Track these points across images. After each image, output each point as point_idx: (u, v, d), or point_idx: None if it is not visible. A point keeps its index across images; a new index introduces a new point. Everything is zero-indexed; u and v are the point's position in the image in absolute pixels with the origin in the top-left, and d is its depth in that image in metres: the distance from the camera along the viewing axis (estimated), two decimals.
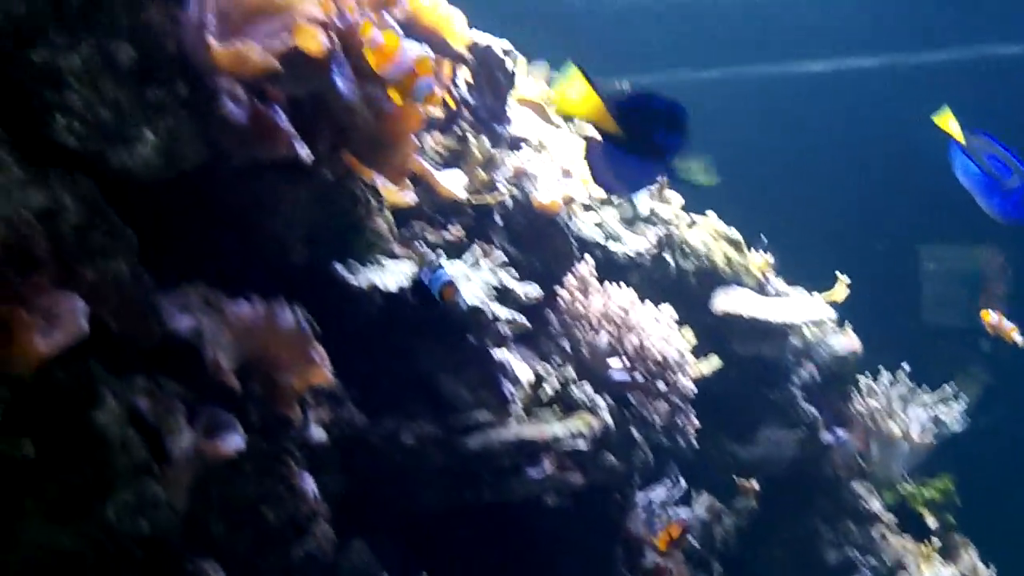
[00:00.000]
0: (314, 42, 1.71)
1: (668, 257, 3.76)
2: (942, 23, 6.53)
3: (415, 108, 2.07)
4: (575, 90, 1.66)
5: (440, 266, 2.28)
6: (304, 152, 1.73)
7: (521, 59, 3.81)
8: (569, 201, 3.23)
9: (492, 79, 3.09)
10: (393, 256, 2.48)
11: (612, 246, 3.59)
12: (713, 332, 3.82)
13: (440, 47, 2.84)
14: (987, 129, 2.76)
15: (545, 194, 3.13)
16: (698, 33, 7.12)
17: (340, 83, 1.84)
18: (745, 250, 4.09)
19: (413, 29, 2.73)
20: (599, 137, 1.71)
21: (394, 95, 1.74)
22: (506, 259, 2.59)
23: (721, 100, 6.29)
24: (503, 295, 2.49)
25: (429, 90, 1.76)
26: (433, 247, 2.68)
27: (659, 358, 3.10)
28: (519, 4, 6.34)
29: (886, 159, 6.32)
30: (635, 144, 1.71)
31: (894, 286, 7.08)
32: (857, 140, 6.36)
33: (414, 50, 1.77)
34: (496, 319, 2.35)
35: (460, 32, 2.94)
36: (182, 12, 1.65)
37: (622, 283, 3.20)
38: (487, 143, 2.97)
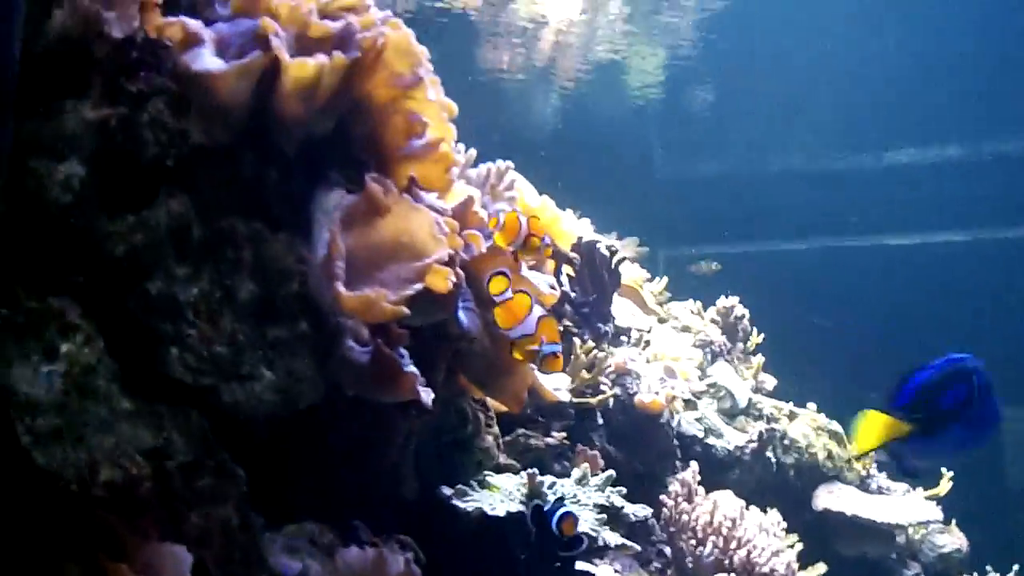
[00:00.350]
0: (443, 283, 1.66)
1: (769, 453, 3.61)
2: None
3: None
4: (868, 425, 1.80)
5: (561, 498, 2.18)
6: (426, 396, 1.66)
7: (620, 244, 3.81)
8: (671, 400, 3.12)
9: (597, 277, 3.04)
10: (499, 469, 2.38)
11: (713, 441, 3.47)
12: (815, 529, 3.67)
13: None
14: None
15: (647, 394, 3.04)
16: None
17: (463, 316, 1.79)
18: (846, 443, 3.94)
19: None
20: None
21: (517, 353, 1.67)
22: (613, 473, 2.48)
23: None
24: (613, 515, 2.36)
25: (552, 355, 1.69)
26: (537, 455, 2.59)
27: (767, 572, 2.93)
28: (606, 175, 6.42)
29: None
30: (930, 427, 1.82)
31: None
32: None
33: (540, 309, 1.70)
34: (607, 546, 2.22)
35: (567, 231, 2.91)
36: (309, 252, 1.62)
37: (727, 490, 3.07)
38: (591, 343, 2.89)
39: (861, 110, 7.22)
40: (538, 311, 1.68)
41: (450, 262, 1.67)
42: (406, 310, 1.55)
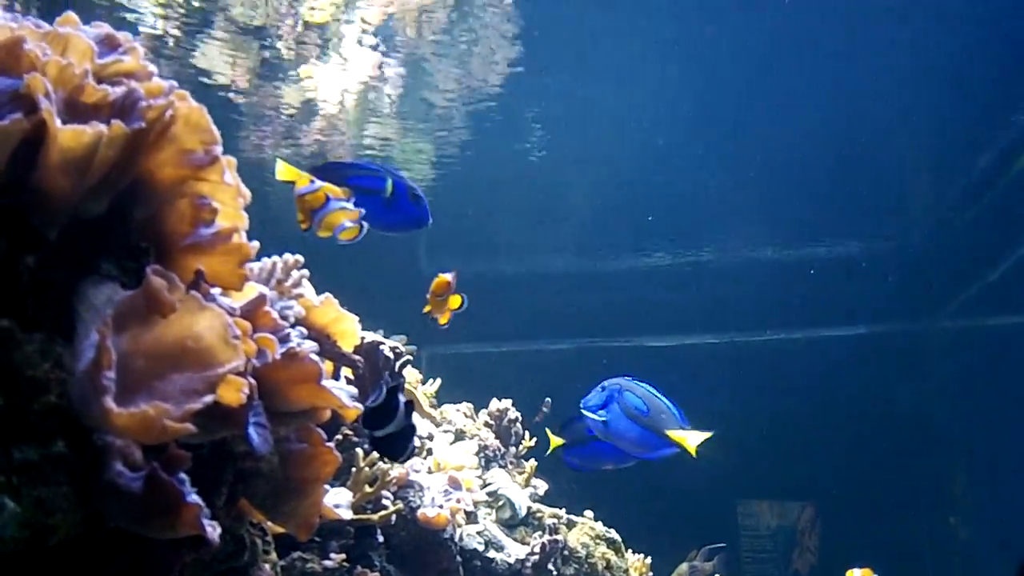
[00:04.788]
0: (236, 395, 1.41)
1: (551, 566, 3.47)
2: None
3: (330, 451, 1.78)
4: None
5: None
6: (212, 532, 1.39)
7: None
8: (456, 513, 2.94)
9: (379, 381, 2.83)
10: None
11: (494, 555, 3.30)
12: None
13: (328, 346, 2.59)
14: None
15: (431, 508, 2.84)
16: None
17: (254, 434, 1.54)
18: (623, 551, 3.88)
19: (301, 326, 2.47)
20: None
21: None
22: None
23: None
24: None
25: None
26: None
27: None
28: (371, 270, 6.24)
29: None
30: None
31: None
32: None
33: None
34: None
35: (351, 331, 2.70)
36: (72, 357, 1.34)
37: None
38: (374, 453, 2.68)
39: (618, 214, 7.45)
40: None
41: (243, 371, 1.43)
42: (192, 427, 1.30)
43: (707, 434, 3.17)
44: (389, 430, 1.92)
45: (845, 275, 7.75)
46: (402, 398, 1.92)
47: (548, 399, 4.69)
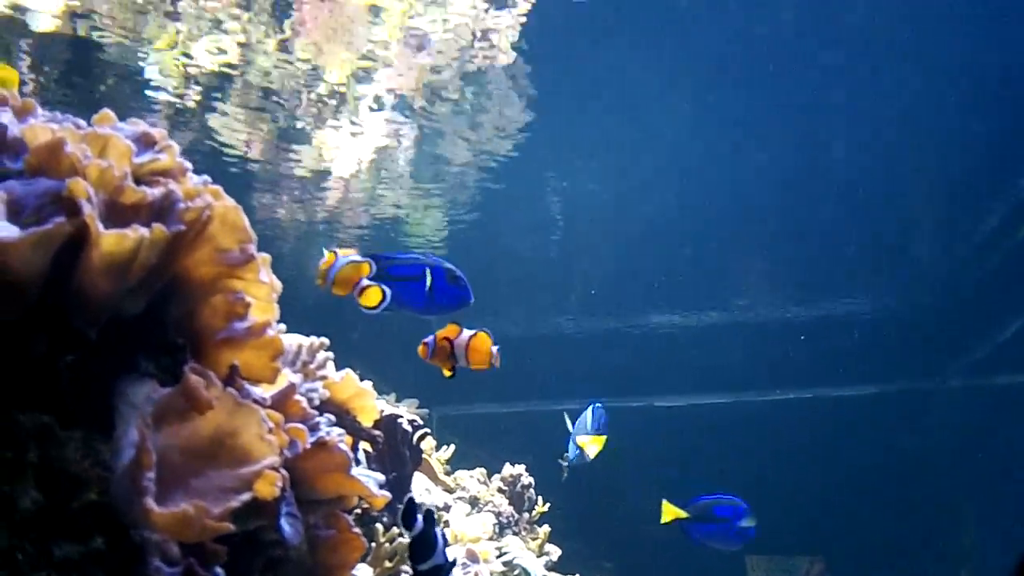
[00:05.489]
0: (270, 489, 1.44)
1: None
2: None
3: (357, 538, 1.80)
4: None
5: None
6: None
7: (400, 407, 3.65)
8: None
9: (397, 454, 2.86)
10: None
11: None
12: None
13: (348, 421, 2.62)
14: None
15: None
16: None
17: (286, 525, 1.56)
18: None
19: (324, 405, 2.50)
20: None
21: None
22: None
23: None
24: None
25: None
26: None
27: None
28: (382, 335, 6.28)
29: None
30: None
31: None
32: None
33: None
34: None
35: (370, 406, 2.73)
36: (111, 454, 1.37)
37: None
38: (394, 529, 2.69)
39: (628, 275, 7.49)
40: None
41: (277, 465, 1.46)
42: (230, 526, 1.32)
43: (602, 438, 3.85)
44: (434, 563, 1.90)
45: (852, 334, 7.77)
46: (439, 531, 1.91)
47: (567, 455, 4.72)
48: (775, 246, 6.89)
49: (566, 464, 4.18)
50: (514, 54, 4.93)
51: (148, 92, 5.21)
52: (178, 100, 5.29)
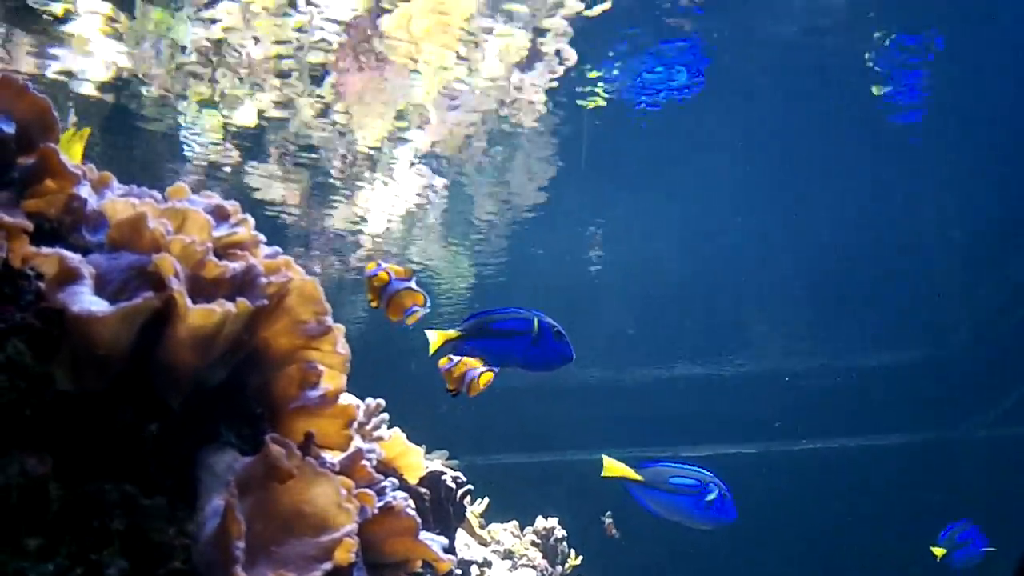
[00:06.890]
0: (346, 555, 1.48)
1: None
2: None
3: None
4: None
5: None
6: None
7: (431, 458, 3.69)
8: None
9: (442, 511, 2.88)
10: None
11: None
12: None
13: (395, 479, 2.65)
14: None
15: None
16: None
17: None
18: None
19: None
20: None
21: None
22: None
23: None
24: None
25: None
26: None
27: None
28: (412, 386, 6.34)
29: None
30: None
31: None
32: None
33: None
34: None
35: (416, 464, 2.76)
36: (195, 524, 1.41)
37: None
38: None
39: (654, 326, 7.53)
40: None
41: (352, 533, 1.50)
42: None
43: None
44: None
45: (881, 384, 7.77)
46: None
47: (609, 513, 4.73)
48: (807, 295, 6.93)
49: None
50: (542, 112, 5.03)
51: (186, 150, 5.31)
52: (215, 156, 5.39)
